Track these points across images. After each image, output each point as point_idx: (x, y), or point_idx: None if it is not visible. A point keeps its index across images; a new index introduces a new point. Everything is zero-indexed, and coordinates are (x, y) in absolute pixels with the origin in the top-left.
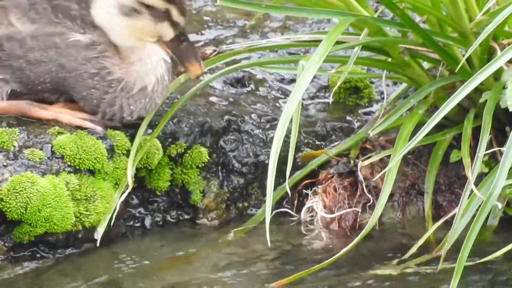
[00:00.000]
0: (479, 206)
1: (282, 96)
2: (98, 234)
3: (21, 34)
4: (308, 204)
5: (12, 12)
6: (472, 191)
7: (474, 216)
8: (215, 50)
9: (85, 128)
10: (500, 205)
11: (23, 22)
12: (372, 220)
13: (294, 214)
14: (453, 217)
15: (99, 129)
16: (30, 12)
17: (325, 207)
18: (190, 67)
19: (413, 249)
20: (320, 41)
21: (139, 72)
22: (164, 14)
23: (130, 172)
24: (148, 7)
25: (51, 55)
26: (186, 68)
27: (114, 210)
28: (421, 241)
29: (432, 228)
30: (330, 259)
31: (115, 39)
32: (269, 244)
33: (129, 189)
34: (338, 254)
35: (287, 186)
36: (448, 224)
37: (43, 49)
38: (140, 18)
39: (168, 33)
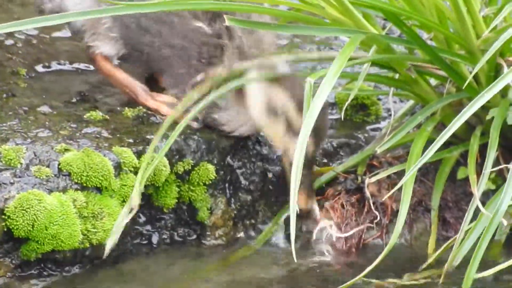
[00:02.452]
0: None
1: None
2: (105, 251)
3: None
4: (321, 224)
5: None
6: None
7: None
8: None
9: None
10: (506, 223)
11: None
12: (393, 236)
13: (303, 229)
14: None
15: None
16: None
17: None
18: (299, 196)
19: (423, 267)
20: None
21: None
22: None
23: (137, 190)
24: (287, 118)
25: None
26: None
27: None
28: (430, 260)
29: (441, 248)
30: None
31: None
32: (295, 259)
33: (136, 209)
34: (364, 272)
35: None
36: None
37: None
38: (276, 122)
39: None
